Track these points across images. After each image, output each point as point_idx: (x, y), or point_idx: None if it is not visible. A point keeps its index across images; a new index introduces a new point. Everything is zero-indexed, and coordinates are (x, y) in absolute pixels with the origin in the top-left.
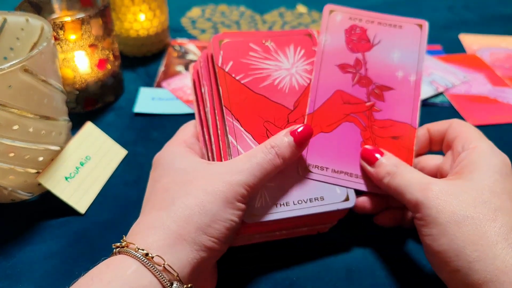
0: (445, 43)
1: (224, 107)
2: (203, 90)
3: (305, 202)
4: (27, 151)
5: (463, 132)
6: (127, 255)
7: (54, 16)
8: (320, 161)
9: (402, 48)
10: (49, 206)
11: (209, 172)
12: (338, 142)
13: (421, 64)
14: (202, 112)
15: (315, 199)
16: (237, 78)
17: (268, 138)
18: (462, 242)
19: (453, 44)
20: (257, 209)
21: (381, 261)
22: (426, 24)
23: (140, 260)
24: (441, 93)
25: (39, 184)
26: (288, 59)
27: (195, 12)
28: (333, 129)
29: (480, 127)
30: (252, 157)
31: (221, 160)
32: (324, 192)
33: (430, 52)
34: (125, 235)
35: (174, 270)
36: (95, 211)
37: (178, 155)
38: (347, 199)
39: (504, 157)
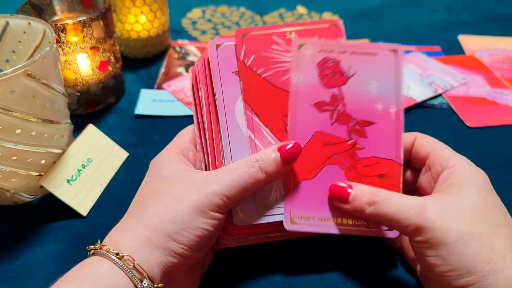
0: (444, 44)
1: (243, 101)
2: (200, 94)
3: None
4: (29, 154)
5: (436, 149)
6: (100, 256)
7: (55, 18)
8: (305, 211)
9: (379, 78)
10: (51, 208)
11: (187, 180)
12: (322, 188)
13: (400, 94)
14: (199, 116)
15: None
16: (258, 72)
17: (287, 132)
18: (473, 258)
19: (452, 45)
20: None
21: (380, 264)
22: (400, 50)
23: (111, 259)
24: (439, 95)
25: (41, 187)
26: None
27: (195, 13)
28: (316, 175)
29: (479, 129)
30: (235, 169)
31: (215, 164)
32: None
33: (429, 54)
34: None
35: (143, 270)
36: (97, 214)
37: (165, 163)
38: None
39: (482, 173)
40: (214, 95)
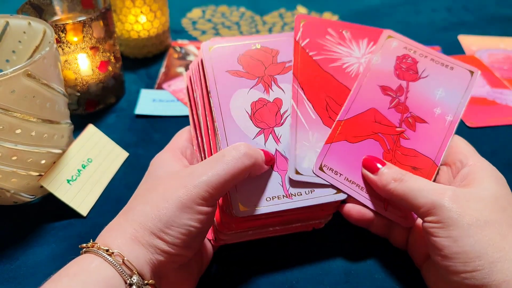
0: (444, 44)
1: (292, 75)
2: (195, 95)
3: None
4: (29, 154)
5: (458, 147)
6: (91, 253)
7: (55, 18)
8: (336, 165)
9: (447, 88)
10: (51, 208)
11: (175, 177)
12: (358, 154)
13: (461, 109)
14: (195, 116)
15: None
16: (310, 54)
17: (327, 111)
18: (485, 243)
19: (452, 45)
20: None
21: (380, 263)
22: (477, 73)
23: (102, 256)
24: None
25: (41, 187)
26: (360, 49)
27: (195, 13)
28: (358, 142)
29: (479, 129)
30: (221, 156)
31: None
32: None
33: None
34: None
35: (133, 266)
36: (97, 214)
37: (161, 163)
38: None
39: (501, 174)
40: (209, 94)
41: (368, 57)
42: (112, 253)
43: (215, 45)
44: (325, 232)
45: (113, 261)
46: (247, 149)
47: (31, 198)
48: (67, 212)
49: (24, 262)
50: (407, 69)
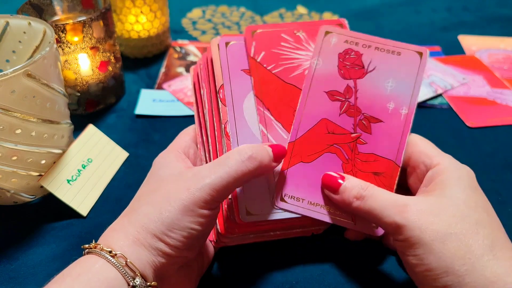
0: (444, 44)
1: (255, 97)
2: (202, 92)
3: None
4: (29, 154)
5: (419, 147)
6: (94, 254)
7: (55, 18)
8: (296, 192)
9: (398, 78)
10: (51, 208)
11: (178, 178)
12: (317, 173)
13: (416, 97)
14: (201, 114)
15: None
16: (269, 68)
17: None
18: (450, 258)
19: (452, 45)
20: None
21: (380, 264)
22: (426, 52)
23: (104, 257)
24: (440, 95)
25: (42, 187)
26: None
27: (195, 13)
28: (314, 159)
29: (479, 129)
30: (225, 159)
31: None
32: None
33: (429, 54)
34: None
35: (136, 268)
36: (97, 214)
37: (164, 163)
38: None
39: (468, 169)
40: (216, 93)
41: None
42: (115, 254)
43: (231, 41)
44: (325, 234)
45: (116, 263)
46: (252, 152)
47: (31, 198)
48: (67, 212)
49: (24, 262)
50: (351, 66)
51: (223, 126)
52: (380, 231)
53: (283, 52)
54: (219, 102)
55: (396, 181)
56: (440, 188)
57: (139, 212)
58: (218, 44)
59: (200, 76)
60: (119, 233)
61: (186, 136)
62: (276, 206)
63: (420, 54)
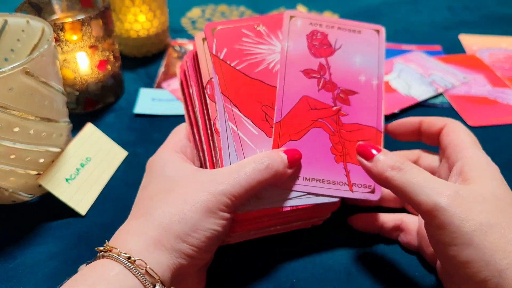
0: (445, 43)
1: (222, 94)
2: (191, 91)
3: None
4: (28, 153)
5: (457, 138)
6: (110, 259)
7: (54, 17)
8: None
9: (363, 53)
10: (49, 207)
11: (194, 180)
12: (307, 148)
13: (382, 69)
14: (191, 113)
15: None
16: (232, 64)
17: (268, 122)
18: (491, 250)
19: (453, 44)
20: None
21: (382, 262)
22: (382, 30)
23: (123, 264)
24: (440, 94)
25: (40, 186)
26: (280, 41)
27: (195, 12)
28: (302, 136)
29: (480, 128)
30: (242, 167)
31: (212, 160)
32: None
33: (430, 53)
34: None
35: (156, 274)
36: (96, 213)
37: (168, 162)
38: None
39: (496, 166)
40: (204, 89)
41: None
42: (135, 260)
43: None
44: (326, 231)
45: (136, 270)
46: (269, 161)
47: (30, 197)
48: (65, 211)
49: (22, 261)
50: (320, 45)
51: (212, 122)
52: (376, 196)
53: (245, 48)
54: (207, 98)
55: (381, 146)
56: (475, 180)
57: (158, 213)
58: (202, 38)
59: (188, 73)
60: (136, 236)
61: (180, 135)
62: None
63: (377, 31)
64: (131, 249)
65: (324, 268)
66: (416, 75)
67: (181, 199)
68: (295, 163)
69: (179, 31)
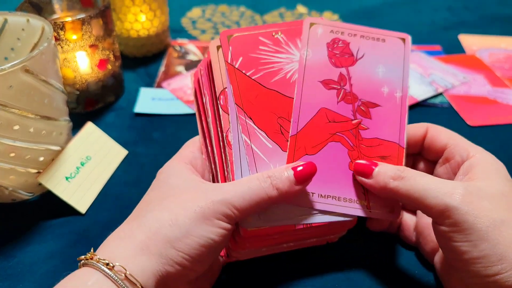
0: (445, 43)
1: (235, 105)
2: (204, 100)
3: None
4: (27, 151)
5: (455, 141)
6: (90, 266)
7: (54, 16)
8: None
9: (387, 63)
10: (49, 206)
11: (196, 189)
12: (324, 164)
13: (407, 80)
14: (204, 123)
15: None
16: (248, 74)
17: (283, 135)
18: (504, 245)
19: (453, 44)
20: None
21: (384, 264)
22: (408, 38)
23: (101, 270)
24: (440, 94)
25: (40, 184)
26: (299, 50)
27: (195, 12)
28: (319, 150)
29: (480, 128)
30: (246, 181)
31: (224, 174)
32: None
33: (430, 53)
34: None
35: (136, 280)
36: (96, 211)
37: (175, 172)
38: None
39: (502, 164)
40: (217, 100)
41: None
42: (113, 266)
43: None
44: (340, 248)
45: (114, 276)
46: (273, 180)
47: (30, 196)
48: (65, 209)
49: (22, 260)
50: (341, 54)
51: (224, 134)
52: (395, 216)
53: (262, 56)
54: (220, 109)
55: (403, 162)
56: (483, 177)
57: (150, 216)
58: (216, 46)
59: (201, 82)
60: (125, 240)
61: (193, 147)
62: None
63: (403, 40)
64: (116, 255)
65: (335, 280)
66: (416, 75)
67: (179, 205)
68: (305, 179)
69: (179, 31)
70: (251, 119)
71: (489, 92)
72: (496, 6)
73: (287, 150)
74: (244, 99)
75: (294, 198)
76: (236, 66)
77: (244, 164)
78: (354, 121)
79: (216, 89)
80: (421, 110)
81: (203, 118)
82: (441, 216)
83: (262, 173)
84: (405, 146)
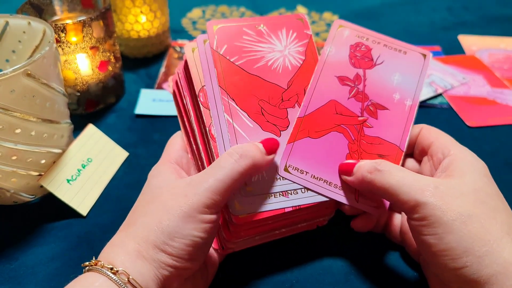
0: (444, 44)
1: (219, 87)
2: (185, 101)
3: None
4: (29, 154)
5: (439, 139)
6: (95, 271)
7: (55, 17)
8: (301, 164)
9: (403, 73)
10: (51, 208)
11: (173, 187)
12: (323, 149)
13: (419, 92)
14: (187, 123)
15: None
16: (232, 60)
17: (263, 115)
18: (470, 238)
19: (452, 45)
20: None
21: (380, 262)
22: (429, 55)
23: (106, 275)
24: (440, 95)
25: (41, 187)
26: (281, 41)
27: (195, 13)
28: (321, 136)
29: (479, 129)
30: (216, 163)
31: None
32: None
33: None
34: None
35: (138, 284)
36: (97, 213)
37: (159, 173)
38: None
39: (482, 162)
40: (197, 98)
41: (291, 47)
42: (117, 271)
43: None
44: (325, 232)
45: (118, 280)
46: (242, 151)
47: (31, 198)
48: (67, 212)
49: (23, 262)
50: (362, 57)
51: (207, 129)
52: (382, 211)
53: (245, 45)
54: (201, 105)
55: (400, 164)
56: (459, 174)
57: (137, 224)
58: (192, 48)
59: (180, 85)
60: (119, 248)
61: (176, 145)
62: (279, 175)
63: (424, 56)
64: (114, 261)
65: (323, 268)
66: None
67: (161, 208)
68: (272, 150)
69: (179, 32)
70: (233, 100)
71: (488, 93)
72: (495, 7)
73: (292, 129)
74: (227, 82)
75: (288, 174)
76: (221, 53)
77: (226, 140)
78: (360, 118)
79: (195, 88)
80: (420, 111)
81: (185, 118)
82: (413, 211)
83: (230, 149)
84: (404, 151)
